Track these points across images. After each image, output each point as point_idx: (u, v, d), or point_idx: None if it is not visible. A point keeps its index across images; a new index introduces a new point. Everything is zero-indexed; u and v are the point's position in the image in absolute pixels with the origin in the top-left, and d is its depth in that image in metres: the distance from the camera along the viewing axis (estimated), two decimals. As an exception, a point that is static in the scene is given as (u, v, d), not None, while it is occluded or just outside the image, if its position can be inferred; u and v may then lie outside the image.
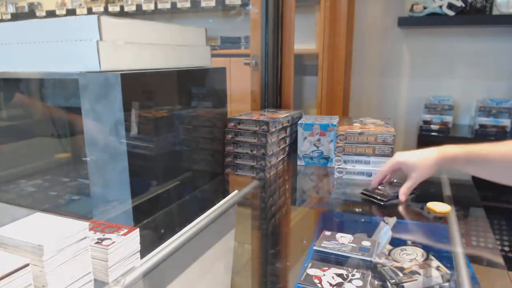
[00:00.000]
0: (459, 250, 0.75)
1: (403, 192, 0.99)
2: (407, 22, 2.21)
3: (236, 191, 1.05)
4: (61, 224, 0.56)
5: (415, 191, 1.03)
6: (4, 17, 3.93)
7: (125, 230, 0.64)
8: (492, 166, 0.89)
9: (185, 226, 0.82)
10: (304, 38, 2.63)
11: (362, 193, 1.06)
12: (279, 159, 1.27)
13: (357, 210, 1.01)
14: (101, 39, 0.78)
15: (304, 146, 1.30)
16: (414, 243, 0.82)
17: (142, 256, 0.67)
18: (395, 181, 1.11)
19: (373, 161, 1.18)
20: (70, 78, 0.92)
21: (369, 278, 0.67)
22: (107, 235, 0.62)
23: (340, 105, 2.30)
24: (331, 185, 1.19)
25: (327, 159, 1.29)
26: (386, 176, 1.07)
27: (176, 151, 0.98)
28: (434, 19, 2.16)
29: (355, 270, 0.70)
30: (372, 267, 0.72)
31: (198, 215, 0.88)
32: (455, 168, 0.95)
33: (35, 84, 1.08)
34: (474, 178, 1.10)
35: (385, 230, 0.81)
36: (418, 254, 0.77)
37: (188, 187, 1.04)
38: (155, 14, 3.23)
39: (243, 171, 1.20)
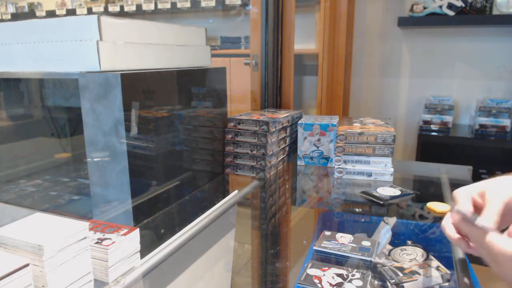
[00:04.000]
0: (459, 250, 0.75)
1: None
2: (407, 22, 2.21)
3: (236, 191, 1.05)
4: (61, 224, 0.56)
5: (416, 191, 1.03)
6: (4, 17, 3.93)
7: (125, 230, 0.64)
8: None
9: (185, 226, 0.82)
10: (304, 38, 2.63)
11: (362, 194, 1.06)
12: (279, 159, 1.27)
13: (357, 210, 1.01)
14: (101, 39, 0.78)
15: (304, 146, 1.30)
16: (414, 243, 0.82)
17: (142, 256, 0.67)
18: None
19: (373, 161, 1.18)
20: (70, 78, 0.92)
21: (369, 278, 0.67)
22: (107, 235, 0.62)
23: (340, 105, 2.30)
24: (331, 185, 1.19)
25: (327, 159, 1.29)
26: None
27: (176, 151, 0.98)
28: (434, 19, 2.16)
29: (355, 270, 0.70)
30: (372, 267, 0.72)
31: (198, 215, 0.88)
32: None
33: (35, 84, 1.08)
34: (474, 178, 1.10)
35: (385, 230, 0.81)
36: (418, 254, 0.77)
37: (188, 187, 1.04)
38: (155, 14, 3.23)
39: (243, 171, 1.20)
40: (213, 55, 1.18)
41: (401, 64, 2.44)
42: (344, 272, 0.69)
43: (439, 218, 0.93)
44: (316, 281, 0.66)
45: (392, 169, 1.17)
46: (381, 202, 1.01)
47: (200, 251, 0.81)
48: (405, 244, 0.82)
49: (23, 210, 0.93)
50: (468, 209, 0.54)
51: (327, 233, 0.83)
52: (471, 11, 2.10)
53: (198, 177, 1.09)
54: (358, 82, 2.56)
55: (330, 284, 0.65)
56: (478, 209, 0.55)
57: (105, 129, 0.80)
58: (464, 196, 0.56)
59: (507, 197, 0.53)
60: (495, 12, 2.06)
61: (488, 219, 0.51)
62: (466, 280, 0.65)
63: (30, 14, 3.81)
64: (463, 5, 2.09)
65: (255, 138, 1.17)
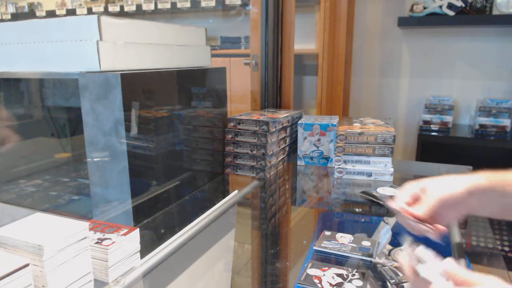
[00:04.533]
0: (459, 250, 0.75)
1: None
2: (407, 22, 2.21)
3: (236, 191, 1.05)
4: (61, 224, 0.56)
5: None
6: (4, 17, 3.92)
7: (125, 230, 0.64)
8: None
9: (185, 226, 0.82)
10: (304, 38, 2.62)
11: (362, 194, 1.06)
12: (279, 159, 1.27)
13: (357, 210, 1.01)
14: (101, 39, 0.78)
15: (304, 146, 1.30)
16: (414, 243, 0.82)
17: (142, 256, 0.67)
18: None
19: (373, 161, 1.18)
20: (70, 78, 0.92)
21: (369, 278, 0.67)
22: (107, 235, 0.62)
23: (340, 105, 2.30)
24: (331, 185, 1.19)
25: (327, 159, 1.29)
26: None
27: (176, 151, 0.98)
28: (434, 19, 2.15)
29: (355, 270, 0.70)
30: (372, 267, 0.72)
31: (198, 215, 0.88)
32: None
33: (35, 84, 1.08)
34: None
35: (385, 230, 0.81)
36: (418, 254, 0.77)
37: (188, 187, 1.04)
38: (155, 14, 3.23)
39: (243, 171, 1.19)
40: (213, 55, 1.18)
41: (401, 64, 2.44)
42: (344, 272, 0.69)
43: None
44: (316, 281, 0.66)
45: (392, 169, 1.17)
46: (381, 202, 1.01)
47: (200, 251, 0.81)
48: (405, 244, 0.82)
49: (23, 210, 0.93)
50: (401, 204, 0.63)
51: (327, 233, 0.83)
52: (471, 11, 2.10)
53: (198, 177, 1.09)
54: (358, 82, 2.56)
55: (330, 284, 0.65)
56: (418, 201, 0.63)
57: (105, 129, 0.80)
58: (404, 193, 0.65)
59: (444, 194, 0.59)
60: (495, 12, 2.06)
61: (420, 210, 0.60)
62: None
63: (30, 14, 3.80)
64: (463, 5, 2.09)
65: (255, 138, 1.17)
